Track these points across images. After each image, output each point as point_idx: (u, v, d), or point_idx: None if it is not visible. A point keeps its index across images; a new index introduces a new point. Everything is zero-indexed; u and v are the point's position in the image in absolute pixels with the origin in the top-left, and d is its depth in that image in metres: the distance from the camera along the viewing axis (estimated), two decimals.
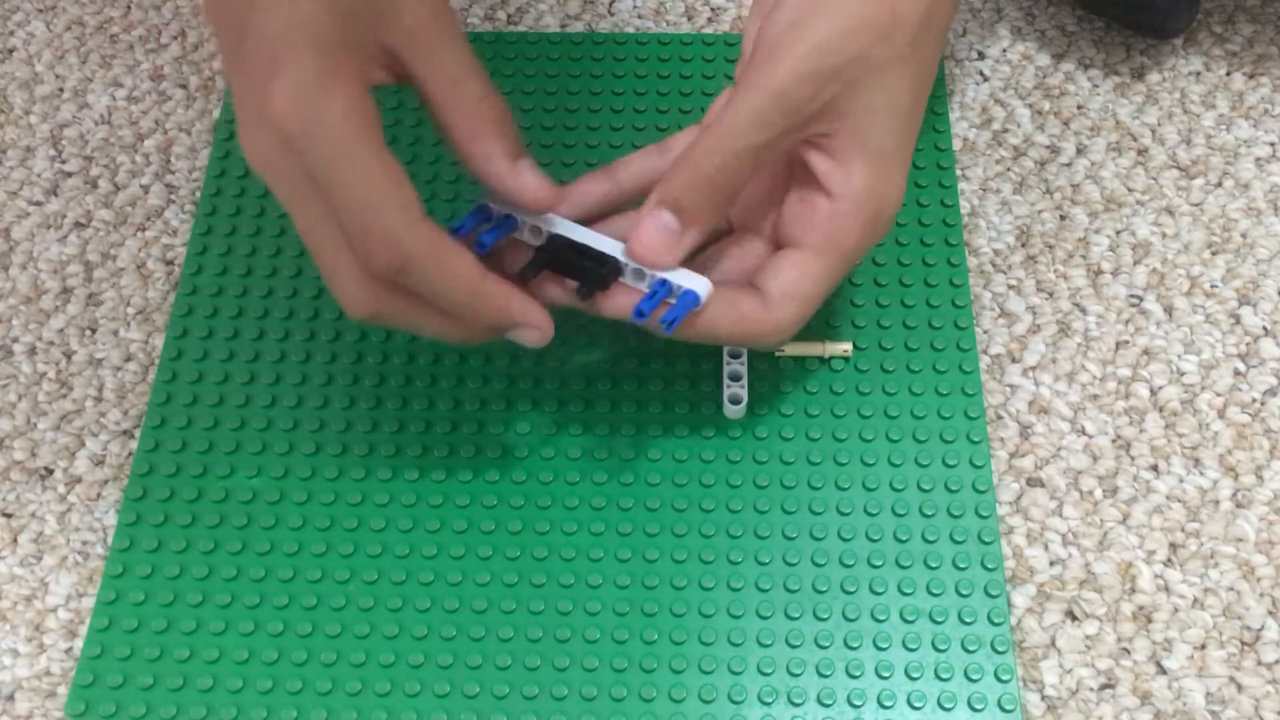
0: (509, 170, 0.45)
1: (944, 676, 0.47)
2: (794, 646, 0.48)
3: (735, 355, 0.53)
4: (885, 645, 0.48)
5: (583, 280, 0.46)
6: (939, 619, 0.48)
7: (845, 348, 0.53)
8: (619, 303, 0.46)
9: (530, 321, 0.45)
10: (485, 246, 0.46)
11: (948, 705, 0.47)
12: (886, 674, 0.47)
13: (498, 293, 0.44)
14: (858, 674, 0.47)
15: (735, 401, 0.52)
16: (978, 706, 0.47)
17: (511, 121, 0.45)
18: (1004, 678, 0.47)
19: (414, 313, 0.44)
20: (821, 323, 0.54)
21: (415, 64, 0.43)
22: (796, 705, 0.47)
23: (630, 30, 0.64)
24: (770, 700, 0.47)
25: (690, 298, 0.45)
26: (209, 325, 0.55)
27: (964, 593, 0.49)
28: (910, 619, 0.48)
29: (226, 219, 0.58)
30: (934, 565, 0.49)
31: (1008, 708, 0.47)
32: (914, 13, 0.44)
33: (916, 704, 0.47)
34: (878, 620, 0.48)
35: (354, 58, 0.42)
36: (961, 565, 0.49)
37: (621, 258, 0.46)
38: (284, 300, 0.55)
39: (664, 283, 0.46)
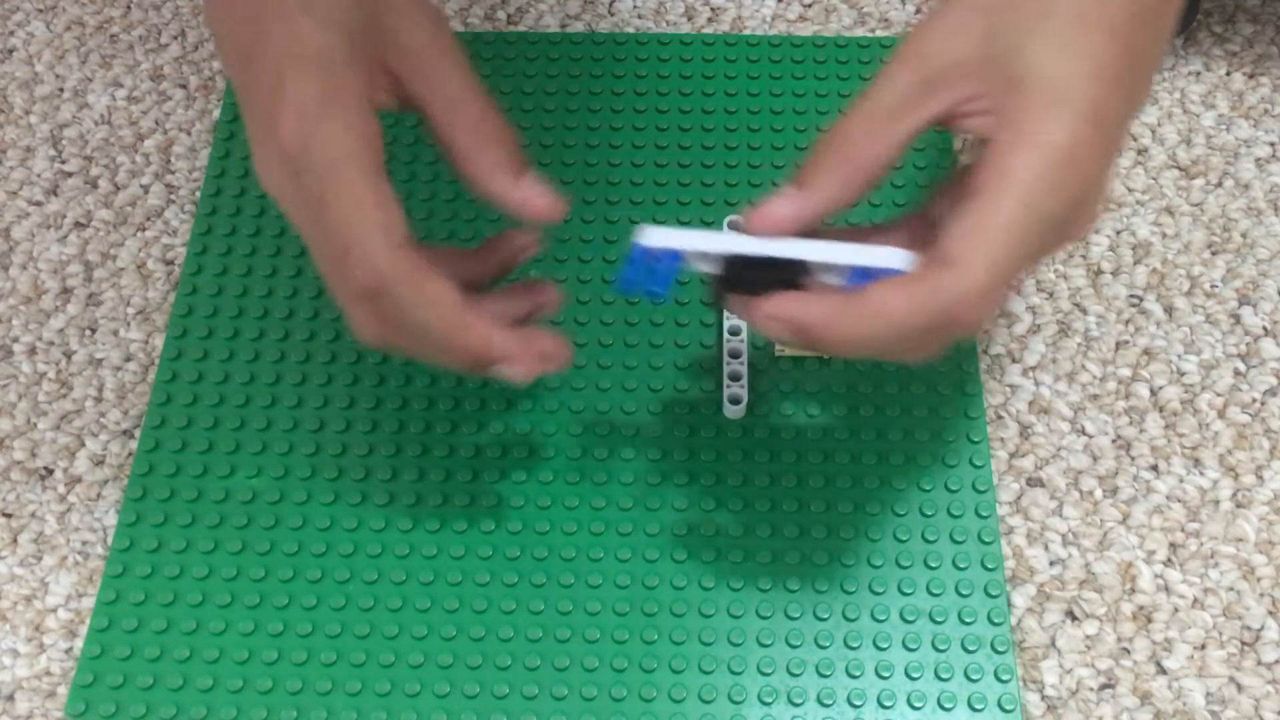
0: (513, 185, 0.44)
1: (944, 676, 0.47)
2: (794, 646, 0.48)
3: (735, 355, 0.53)
4: (885, 645, 0.48)
5: (772, 288, 0.41)
6: (939, 619, 0.48)
7: None
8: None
9: (512, 358, 0.44)
10: (660, 296, 0.43)
11: (948, 705, 0.47)
12: (886, 674, 0.47)
13: (478, 326, 0.43)
14: (858, 674, 0.47)
15: (735, 401, 0.52)
16: (978, 706, 0.47)
17: (513, 138, 0.44)
18: (1004, 678, 0.47)
19: (405, 340, 0.43)
20: None
21: (416, 85, 0.43)
22: (796, 705, 0.47)
23: (630, 30, 0.64)
24: (770, 700, 0.47)
25: (891, 276, 0.40)
26: (209, 325, 0.55)
27: (964, 593, 0.49)
28: (910, 619, 0.48)
29: (226, 219, 0.58)
30: (934, 565, 0.49)
31: (1008, 708, 0.47)
32: None
33: (916, 704, 0.47)
34: (878, 620, 0.48)
35: (357, 79, 0.41)
36: (961, 565, 0.49)
37: (808, 258, 0.42)
38: (284, 300, 0.55)
39: (859, 270, 0.41)
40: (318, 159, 0.40)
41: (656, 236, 0.43)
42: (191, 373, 0.54)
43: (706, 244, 0.43)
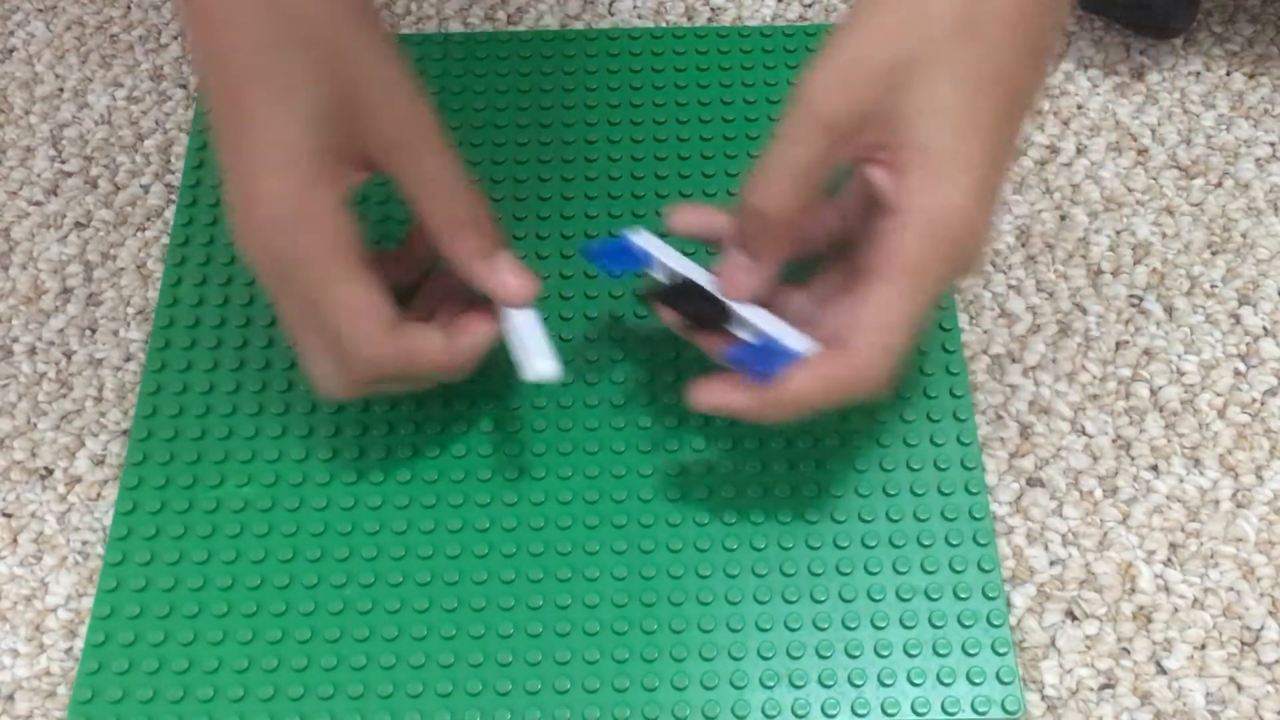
0: (487, 271, 0.47)
1: (942, 652, 0.47)
2: (793, 630, 0.48)
3: None
4: (883, 624, 0.48)
5: (697, 321, 0.48)
6: (934, 596, 0.48)
7: None
8: (716, 345, 0.48)
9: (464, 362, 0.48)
10: (615, 274, 0.49)
11: (947, 680, 0.47)
12: (885, 653, 0.47)
13: (463, 351, 0.48)
14: (857, 654, 0.47)
15: None
16: (977, 680, 0.47)
17: (486, 216, 0.47)
18: (1001, 650, 0.47)
19: (388, 389, 0.48)
20: None
21: (392, 168, 0.45)
22: (798, 688, 0.47)
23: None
24: (772, 684, 0.47)
25: (790, 354, 0.45)
26: (191, 336, 0.54)
27: (962, 596, 0.49)
28: (906, 597, 0.48)
29: (204, 228, 0.57)
30: (931, 570, 0.49)
31: (1006, 680, 0.47)
32: (948, 6, 0.42)
33: (916, 680, 0.47)
34: (874, 600, 0.48)
35: (332, 169, 0.43)
36: (958, 569, 0.49)
37: (743, 315, 0.47)
38: (265, 308, 0.55)
39: (770, 340, 0.46)
40: (308, 269, 0.43)
41: (644, 238, 0.50)
42: (176, 384, 0.53)
43: (676, 264, 0.48)
